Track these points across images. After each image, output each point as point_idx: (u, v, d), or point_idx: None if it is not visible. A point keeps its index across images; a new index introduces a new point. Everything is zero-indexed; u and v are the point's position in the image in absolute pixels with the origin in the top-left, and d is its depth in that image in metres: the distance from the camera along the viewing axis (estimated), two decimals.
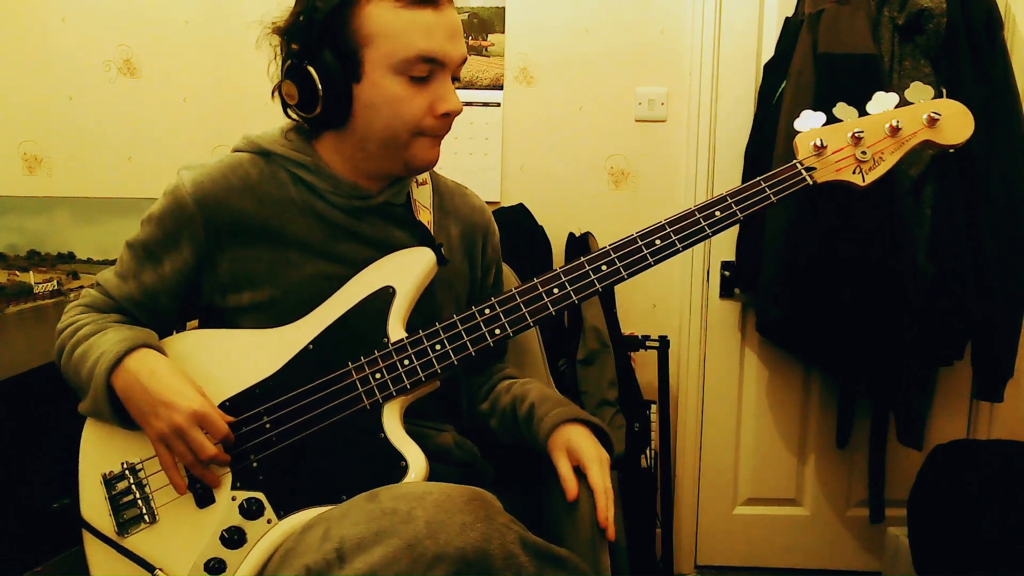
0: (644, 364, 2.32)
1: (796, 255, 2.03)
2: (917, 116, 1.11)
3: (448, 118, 1.08)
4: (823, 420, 2.40)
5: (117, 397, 1.04)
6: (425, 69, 1.04)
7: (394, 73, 1.03)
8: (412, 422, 1.09)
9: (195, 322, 1.22)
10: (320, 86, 1.04)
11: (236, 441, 1.04)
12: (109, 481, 1.06)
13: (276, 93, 1.13)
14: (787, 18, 2.16)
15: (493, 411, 1.28)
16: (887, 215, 1.94)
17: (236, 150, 1.16)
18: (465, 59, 1.09)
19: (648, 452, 2.19)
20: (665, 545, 2.36)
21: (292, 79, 1.06)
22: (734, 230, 2.28)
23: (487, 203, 1.33)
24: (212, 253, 1.10)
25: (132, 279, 1.13)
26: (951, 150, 1.13)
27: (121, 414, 1.04)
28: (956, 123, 1.11)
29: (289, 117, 1.15)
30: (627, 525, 2.14)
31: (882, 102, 1.13)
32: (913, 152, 1.13)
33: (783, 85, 2.06)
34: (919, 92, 1.12)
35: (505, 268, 1.42)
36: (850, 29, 1.96)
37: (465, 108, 2.49)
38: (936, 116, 1.10)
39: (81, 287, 1.21)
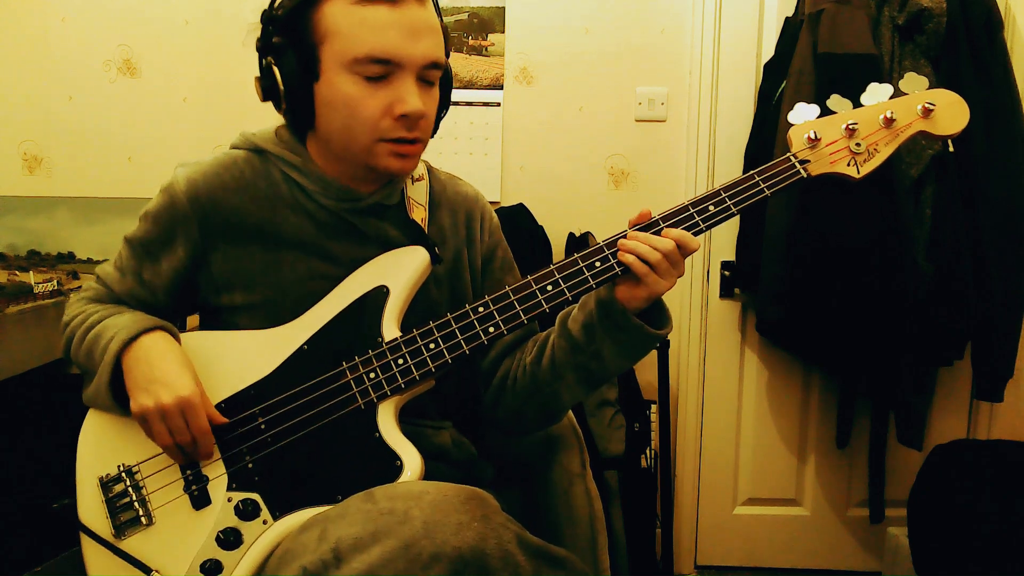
0: (644, 364, 2.32)
1: (796, 255, 2.02)
2: (911, 107, 1.10)
3: (407, 120, 1.03)
4: (823, 420, 2.40)
5: (119, 376, 1.04)
6: (378, 70, 1.00)
7: (347, 72, 1.01)
8: (410, 421, 1.09)
9: (195, 318, 1.22)
10: (281, 83, 1.04)
11: (231, 442, 1.04)
12: (106, 484, 1.06)
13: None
14: (787, 18, 2.15)
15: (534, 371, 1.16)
16: (887, 215, 1.94)
17: (233, 147, 1.17)
18: (434, 61, 1.03)
19: (648, 452, 2.19)
20: (665, 545, 2.36)
21: (260, 75, 1.07)
22: (734, 230, 2.28)
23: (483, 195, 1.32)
24: (206, 251, 1.11)
25: (131, 275, 1.15)
26: (949, 141, 1.12)
27: (116, 392, 1.04)
28: (951, 113, 1.10)
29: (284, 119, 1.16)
30: (627, 525, 2.14)
31: (876, 93, 1.12)
32: (909, 144, 1.12)
33: (783, 85, 2.06)
34: (913, 83, 1.11)
35: None
36: (850, 29, 1.96)
37: (465, 108, 2.48)
38: (931, 106, 1.09)
39: (80, 287, 1.22)
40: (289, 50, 1.03)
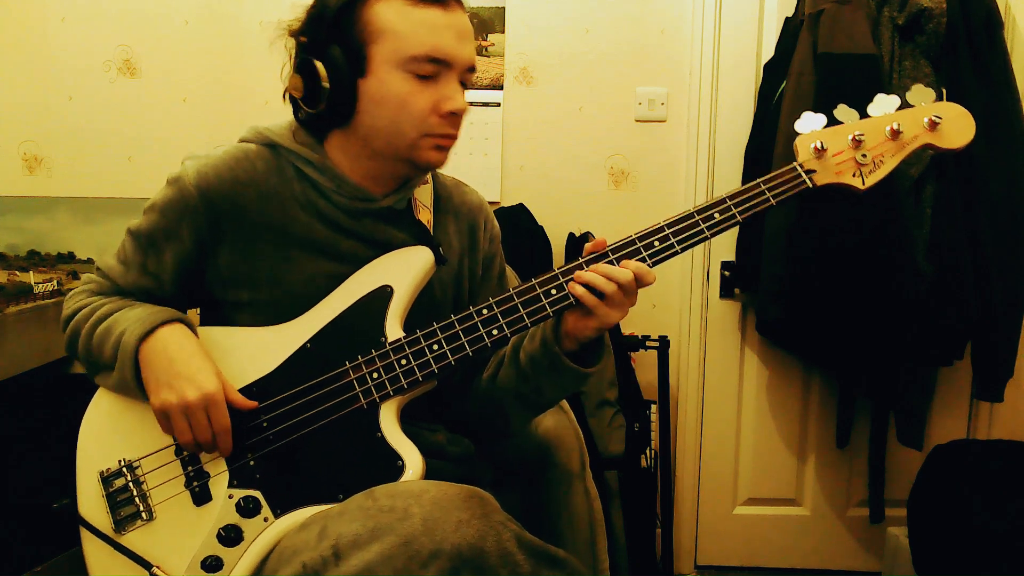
0: (644, 364, 2.32)
1: (796, 255, 2.02)
2: (918, 119, 1.10)
3: (454, 118, 1.07)
4: (823, 420, 2.40)
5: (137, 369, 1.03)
6: (431, 68, 1.04)
7: (400, 70, 1.04)
8: (405, 422, 1.09)
9: (195, 314, 1.22)
10: (326, 80, 1.04)
11: (234, 439, 1.03)
12: (106, 479, 1.06)
13: (287, 94, 1.13)
14: (787, 18, 2.16)
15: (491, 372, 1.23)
16: (887, 215, 1.94)
17: (243, 140, 1.16)
18: (473, 66, 1.08)
19: (648, 452, 2.19)
20: (665, 545, 2.35)
21: (299, 72, 1.06)
22: (734, 230, 2.28)
23: (487, 203, 1.32)
24: (213, 244, 1.10)
25: (134, 267, 1.13)
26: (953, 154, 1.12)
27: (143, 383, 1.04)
28: (957, 127, 1.10)
29: (298, 120, 1.15)
30: (627, 525, 2.14)
31: (883, 104, 1.11)
32: (914, 154, 1.12)
33: (783, 85, 2.06)
34: (920, 95, 1.11)
35: (507, 269, 1.41)
36: (850, 29, 1.96)
37: None
38: (937, 120, 1.08)
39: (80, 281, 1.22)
40: (336, 48, 1.04)
